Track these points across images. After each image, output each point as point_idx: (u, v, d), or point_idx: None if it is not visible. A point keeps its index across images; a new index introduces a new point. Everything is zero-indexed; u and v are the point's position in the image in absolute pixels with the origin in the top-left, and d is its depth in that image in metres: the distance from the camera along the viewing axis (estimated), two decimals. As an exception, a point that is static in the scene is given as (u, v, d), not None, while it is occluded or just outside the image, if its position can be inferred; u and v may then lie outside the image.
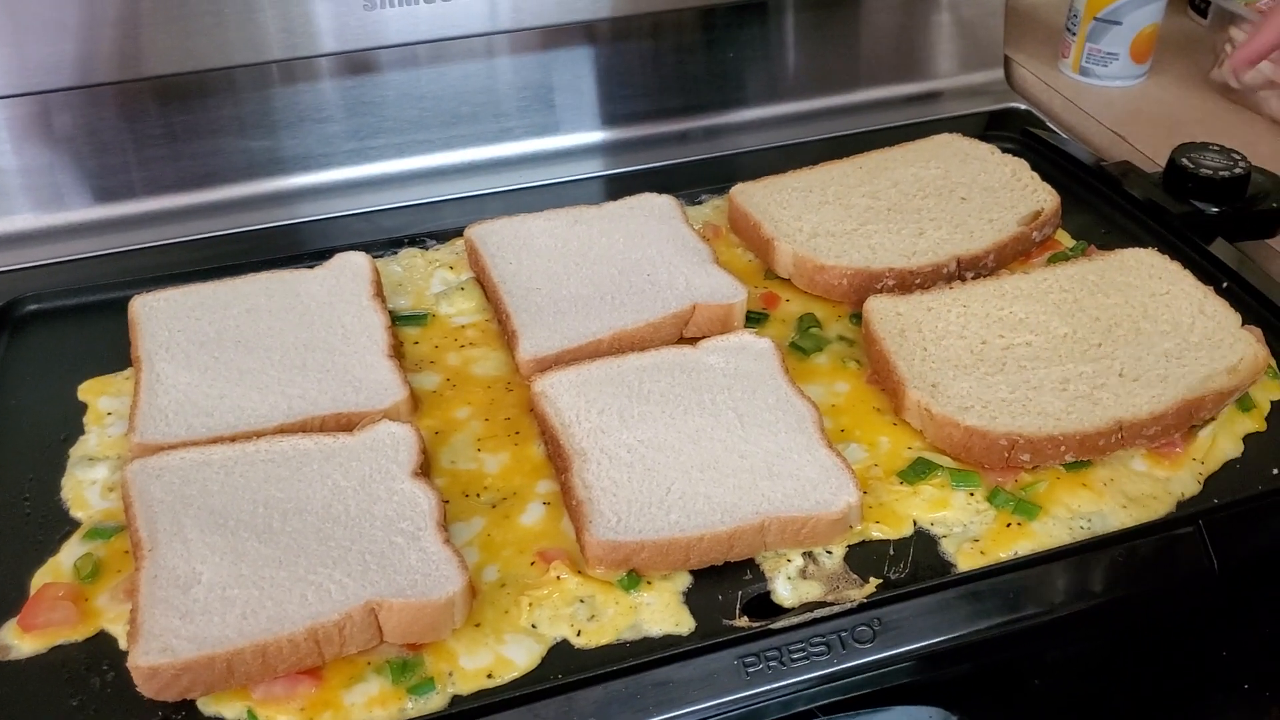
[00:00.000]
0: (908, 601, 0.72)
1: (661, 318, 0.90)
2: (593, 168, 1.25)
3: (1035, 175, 1.06)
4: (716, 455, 0.79)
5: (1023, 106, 1.44)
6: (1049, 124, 1.40)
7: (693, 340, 0.91)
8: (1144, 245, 1.00)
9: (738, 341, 0.89)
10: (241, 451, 0.80)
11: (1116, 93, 1.43)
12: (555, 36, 1.23)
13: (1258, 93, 1.36)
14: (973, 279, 0.97)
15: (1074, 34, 1.44)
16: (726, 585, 0.75)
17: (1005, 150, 1.13)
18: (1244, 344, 0.86)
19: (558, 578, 0.73)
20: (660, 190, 1.08)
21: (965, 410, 0.82)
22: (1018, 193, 1.05)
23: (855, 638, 0.70)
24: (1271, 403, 0.88)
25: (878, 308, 0.92)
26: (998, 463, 0.81)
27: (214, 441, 0.81)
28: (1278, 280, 1.00)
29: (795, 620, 0.71)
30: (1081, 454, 0.80)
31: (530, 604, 0.72)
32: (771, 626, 0.71)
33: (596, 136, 1.29)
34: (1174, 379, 0.83)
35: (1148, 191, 1.09)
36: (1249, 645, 0.81)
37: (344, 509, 0.76)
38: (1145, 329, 0.89)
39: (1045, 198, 1.03)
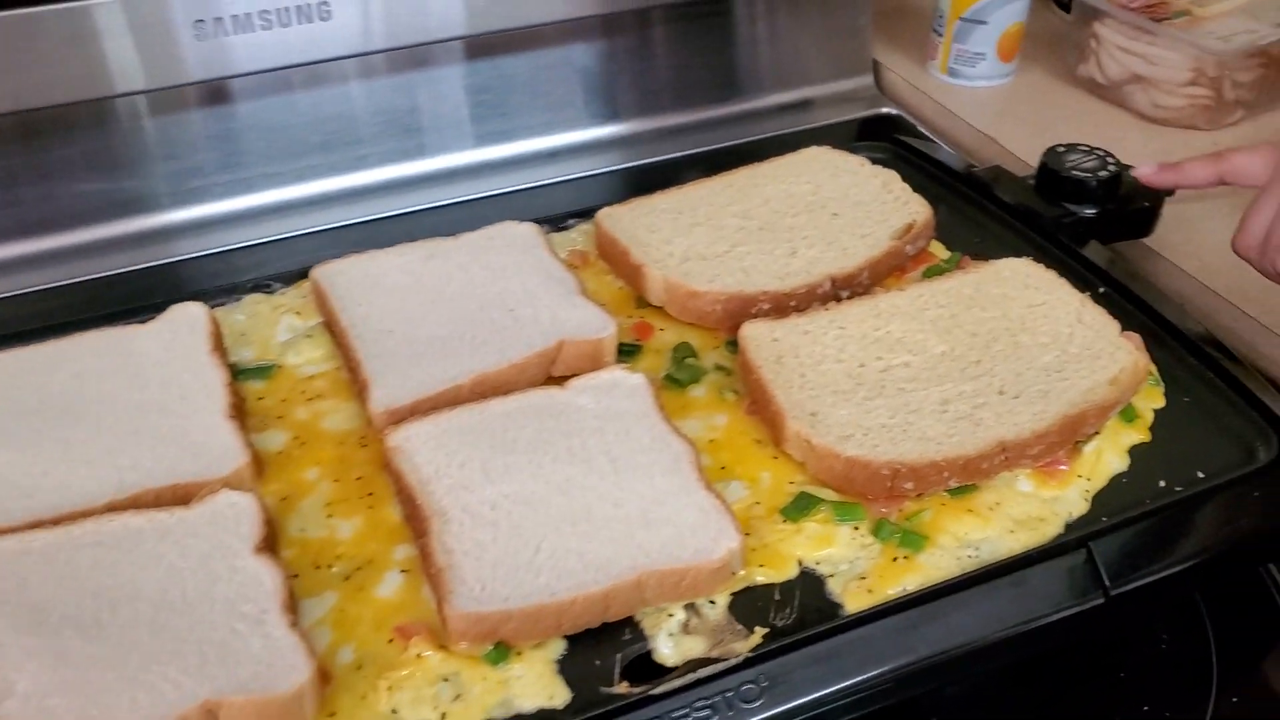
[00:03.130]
0: (794, 652, 0.68)
1: (526, 358, 0.85)
2: (456, 193, 1.20)
3: (906, 186, 1.03)
4: (589, 506, 0.74)
5: (894, 111, 1.42)
6: (920, 128, 1.39)
7: (561, 380, 0.85)
8: (1019, 252, 0.98)
9: (609, 379, 0.84)
10: (66, 535, 0.72)
11: (985, 93, 1.42)
12: (414, 57, 1.17)
13: (1123, 88, 1.36)
14: (849, 298, 0.94)
15: (941, 35, 1.43)
16: (605, 648, 0.70)
17: (875, 161, 1.10)
18: (1124, 353, 0.84)
19: (418, 655, 0.67)
20: (527, 214, 1.02)
21: (845, 439, 0.78)
22: (889, 205, 1.02)
23: (741, 697, 0.66)
24: (1155, 411, 0.86)
25: (753, 334, 0.88)
26: (881, 493, 0.77)
27: (33, 526, 0.73)
28: (1154, 282, 0.99)
29: (677, 684, 0.67)
30: (965, 479, 0.77)
31: (389, 687, 0.66)
32: (652, 693, 0.66)
33: (459, 159, 1.23)
34: (1055, 394, 0.81)
35: (1019, 196, 1.07)
36: (1146, 665, 0.79)
37: (181, 594, 0.69)
38: (1024, 342, 0.86)
39: (917, 209, 1.00)
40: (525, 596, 0.68)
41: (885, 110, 1.42)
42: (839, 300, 0.94)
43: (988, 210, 1.08)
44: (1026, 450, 0.78)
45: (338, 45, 1.09)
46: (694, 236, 0.98)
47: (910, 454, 0.76)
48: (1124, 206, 1.07)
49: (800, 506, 0.77)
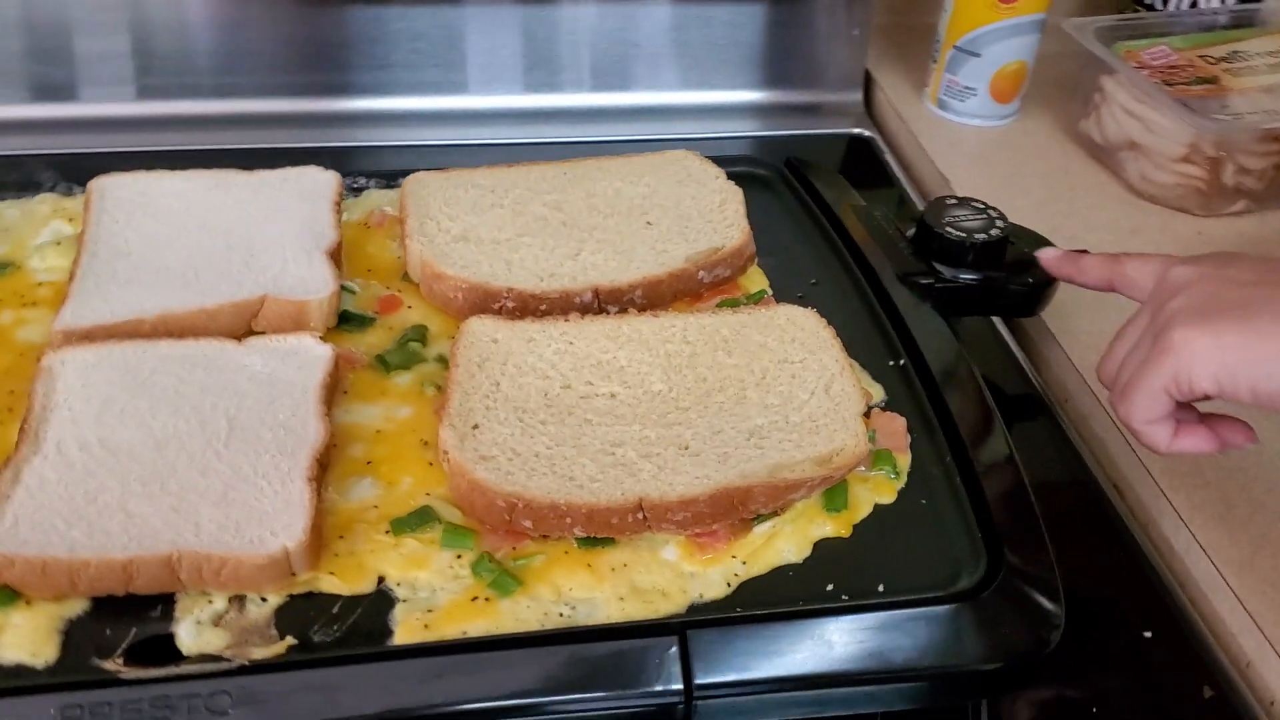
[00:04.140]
0: (288, 673, 0.62)
1: (219, 305, 0.81)
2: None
3: (741, 210, 0.94)
4: (175, 469, 0.69)
5: (867, 134, 1.30)
6: (886, 158, 1.27)
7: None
8: (851, 306, 0.88)
9: (293, 344, 0.79)
10: None
11: (971, 133, 1.29)
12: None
13: (1118, 153, 1.22)
14: (617, 313, 0.86)
15: (935, 62, 1.30)
16: (126, 620, 0.65)
17: (736, 175, 1.00)
18: (850, 435, 0.74)
19: (-68, 578, 0.64)
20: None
21: (484, 460, 0.71)
22: (712, 225, 0.93)
23: (209, 706, 0.60)
24: (876, 506, 0.75)
25: (476, 330, 0.81)
26: (500, 525, 0.70)
27: None
28: (1008, 368, 0.89)
29: (154, 674, 0.62)
30: (593, 530, 0.69)
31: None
32: (124, 677, 0.61)
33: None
34: (734, 462, 0.72)
35: (887, 247, 0.96)
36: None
37: None
38: (750, 399, 0.77)
39: (732, 236, 0.91)
40: (41, 546, 0.64)
41: (858, 132, 1.31)
42: (605, 314, 0.86)
43: (843, 255, 0.98)
44: (668, 515, 0.69)
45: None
46: (485, 218, 0.92)
47: (535, 490, 0.69)
48: (1008, 279, 0.95)
49: (413, 521, 0.71)
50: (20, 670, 0.62)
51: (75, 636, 0.64)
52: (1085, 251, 0.86)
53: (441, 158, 1.05)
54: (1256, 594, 0.73)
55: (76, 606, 0.66)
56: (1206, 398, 0.66)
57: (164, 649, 0.64)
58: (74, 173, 0.99)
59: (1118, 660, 0.69)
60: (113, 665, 0.63)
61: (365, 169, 1.04)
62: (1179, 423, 0.70)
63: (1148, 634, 0.71)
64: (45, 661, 0.63)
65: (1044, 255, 0.88)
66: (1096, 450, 0.88)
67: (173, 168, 0.95)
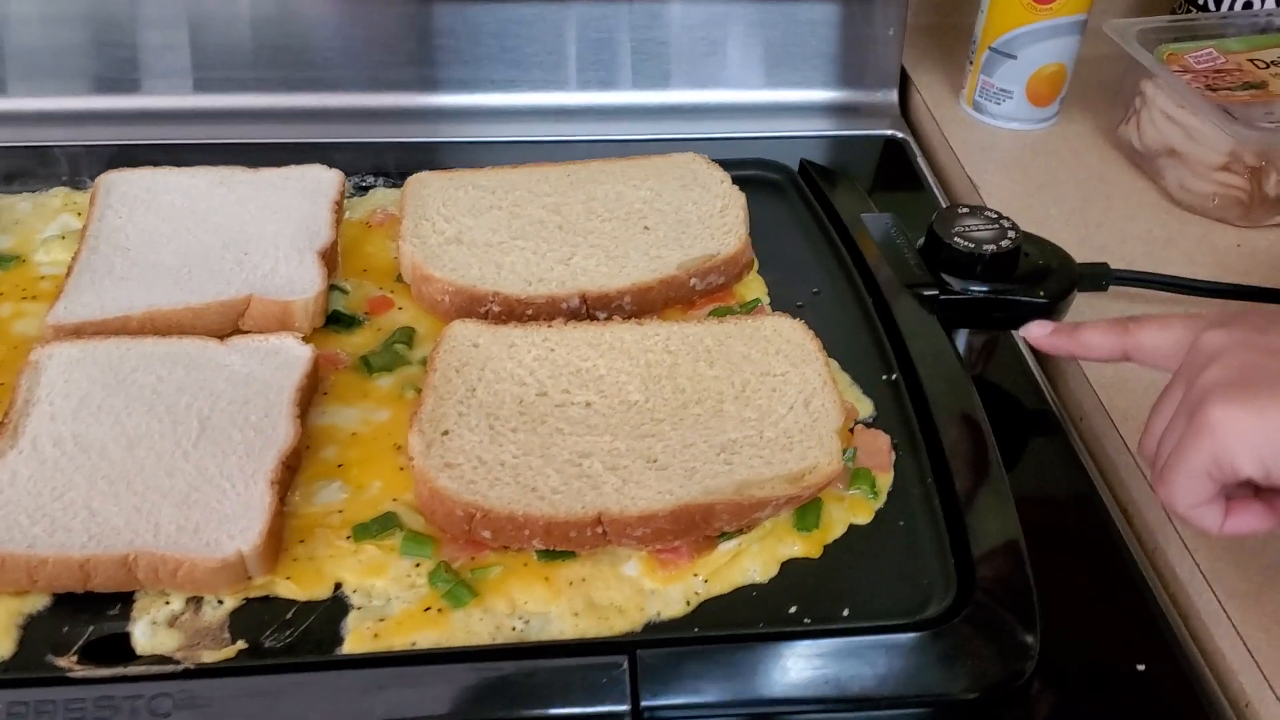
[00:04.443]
0: (233, 678, 0.62)
1: (205, 304, 0.81)
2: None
3: (742, 215, 0.92)
4: (143, 468, 0.70)
5: (899, 136, 1.27)
6: (918, 161, 1.24)
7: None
8: (852, 316, 0.86)
9: (274, 345, 0.80)
10: None
11: (1006, 136, 1.26)
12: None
13: (1158, 160, 1.17)
14: (605, 319, 0.85)
15: (971, 63, 1.27)
16: (84, 617, 0.66)
17: (747, 179, 0.98)
18: (825, 452, 0.72)
19: (-102, 570, 0.65)
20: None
21: (448, 468, 0.71)
22: (710, 231, 0.91)
23: (151, 709, 0.61)
24: (850, 526, 0.73)
25: (458, 333, 0.81)
26: (459, 534, 0.70)
27: None
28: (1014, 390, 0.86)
29: (102, 673, 0.62)
30: (551, 543, 0.68)
31: None
32: (72, 676, 0.62)
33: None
34: (701, 476, 0.70)
35: (892, 256, 0.93)
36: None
37: None
38: (727, 412, 0.76)
39: (730, 242, 0.89)
40: (1, 542, 0.65)
41: (891, 134, 1.28)
42: (593, 319, 0.85)
43: (847, 264, 0.95)
44: (628, 530, 0.68)
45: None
46: (481, 220, 0.91)
47: (495, 501, 0.68)
48: (1020, 291, 0.92)
49: (375, 527, 0.70)
50: (-22, 663, 0.63)
51: (33, 632, 0.65)
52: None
53: (467, 154, 1.05)
54: (1260, 630, 0.70)
55: (38, 602, 0.67)
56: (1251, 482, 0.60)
57: (119, 648, 0.65)
58: (96, 166, 1.00)
59: (1106, 693, 0.66)
60: (66, 663, 0.63)
61: (406, 165, 1.03)
62: (1230, 500, 0.62)
63: (1141, 666, 0.68)
64: (0, 656, 0.63)
65: (1032, 333, 0.77)
66: (1107, 471, 0.84)
67: (203, 162, 0.96)
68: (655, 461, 0.72)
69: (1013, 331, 0.90)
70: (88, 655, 0.64)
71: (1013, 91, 1.24)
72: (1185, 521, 0.63)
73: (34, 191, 0.97)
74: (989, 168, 1.18)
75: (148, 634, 0.65)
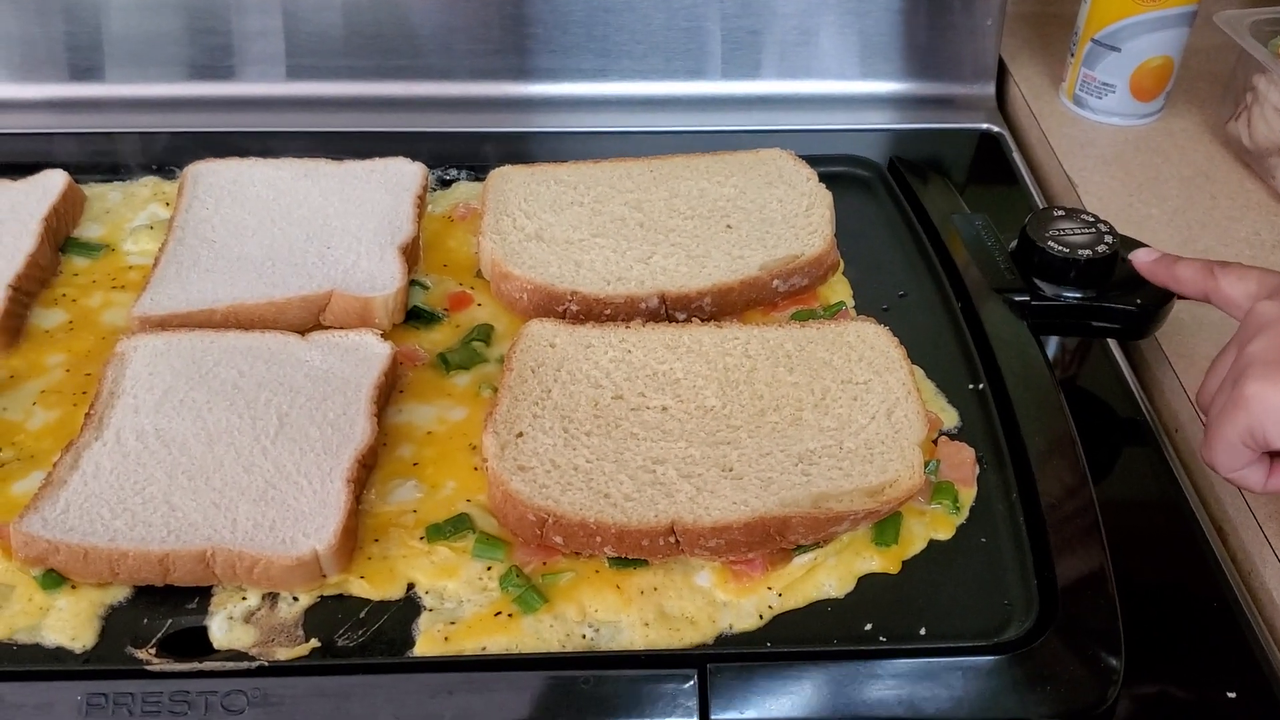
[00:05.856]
0: (306, 678, 0.63)
1: (287, 299, 0.82)
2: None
3: (828, 214, 0.90)
4: (222, 464, 0.71)
5: (995, 130, 1.24)
6: (1014, 157, 1.21)
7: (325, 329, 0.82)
8: (940, 323, 0.84)
9: (354, 340, 0.80)
10: None
11: (1107, 132, 1.21)
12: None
13: (1269, 159, 1.12)
14: (684, 320, 0.84)
15: (1072, 56, 1.22)
16: (163, 610, 0.67)
17: (834, 176, 0.96)
18: (906, 465, 0.71)
19: (-12, 558, 0.67)
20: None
21: (521, 470, 0.71)
22: (794, 231, 0.89)
23: (225, 705, 0.62)
24: (931, 542, 0.71)
25: (535, 333, 0.80)
26: (531, 538, 0.69)
27: None
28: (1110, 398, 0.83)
29: (179, 668, 0.63)
30: (623, 550, 0.68)
31: (-46, 581, 0.66)
32: (151, 669, 0.63)
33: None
34: (778, 487, 0.69)
35: (984, 260, 0.90)
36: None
37: None
38: (806, 421, 0.74)
39: (815, 243, 0.87)
40: (84, 535, 0.66)
41: (987, 128, 1.24)
42: (672, 320, 0.84)
43: (936, 267, 0.93)
44: (702, 541, 0.67)
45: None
46: (562, 216, 0.91)
47: (567, 507, 0.68)
48: (1116, 298, 0.88)
49: (448, 528, 0.70)
50: (59, 654, 0.65)
51: (114, 623, 0.66)
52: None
53: (552, 145, 1.04)
54: (1360, 660, 0.66)
55: (119, 593, 0.68)
56: None
57: (196, 641, 0.66)
58: (185, 154, 1.01)
59: (1195, 720, 0.64)
60: (144, 655, 0.65)
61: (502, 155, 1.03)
62: (1275, 459, 0.66)
63: (1231, 694, 0.65)
64: (83, 646, 0.65)
65: (1137, 257, 0.82)
66: (1201, 486, 0.81)
67: (289, 150, 0.97)
68: (730, 470, 0.70)
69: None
70: (166, 648, 0.65)
71: (1115, 85, 1.19)
72: (1230, 483, 0.68)
73: (124, 180, 0.99)
74: (1088, 164, 1.14)
75: (224, 629, 0.66)
